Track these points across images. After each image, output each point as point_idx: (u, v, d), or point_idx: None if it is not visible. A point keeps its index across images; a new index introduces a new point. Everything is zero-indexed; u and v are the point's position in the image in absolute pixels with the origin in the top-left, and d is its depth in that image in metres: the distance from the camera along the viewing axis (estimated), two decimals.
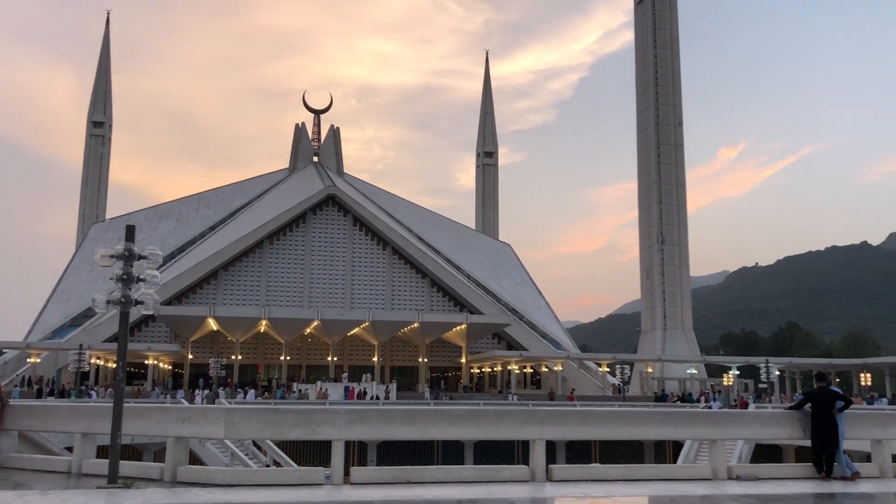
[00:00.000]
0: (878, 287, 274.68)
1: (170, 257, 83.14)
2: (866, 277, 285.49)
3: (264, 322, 70.06)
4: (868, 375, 74.25)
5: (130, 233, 13.47)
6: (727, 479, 12.98)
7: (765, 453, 35.71)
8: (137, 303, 13.20)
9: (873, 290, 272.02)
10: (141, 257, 13.24)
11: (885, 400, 57.62)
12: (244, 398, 48.17)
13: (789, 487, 12.05)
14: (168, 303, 71.60)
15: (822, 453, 13.12)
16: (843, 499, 11.21)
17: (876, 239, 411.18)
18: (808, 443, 13.50)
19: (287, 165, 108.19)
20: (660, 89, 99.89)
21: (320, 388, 58.08)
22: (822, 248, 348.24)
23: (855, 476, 13.11)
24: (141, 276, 13.27)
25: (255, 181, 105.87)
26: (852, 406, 13.76)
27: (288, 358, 75.40)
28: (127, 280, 13.03)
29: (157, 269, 13.75)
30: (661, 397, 64.05)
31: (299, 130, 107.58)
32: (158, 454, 30.91)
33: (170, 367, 77.26)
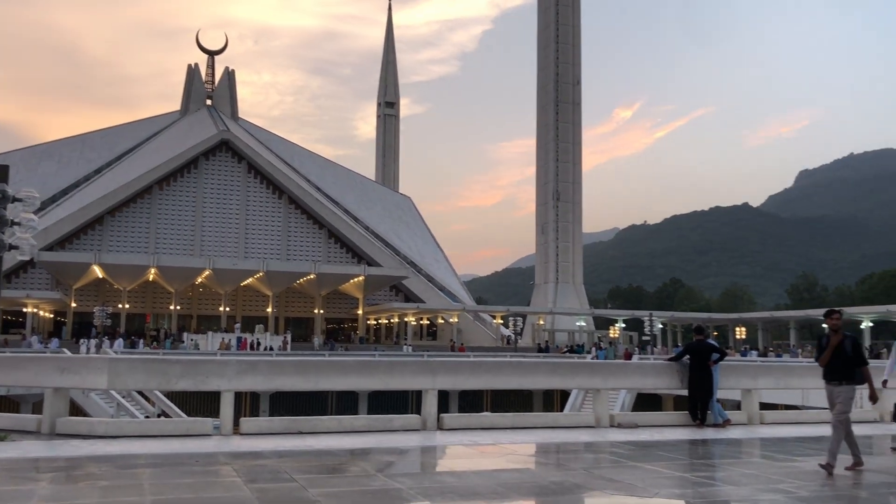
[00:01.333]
0: (755, 246, 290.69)
1: (51, 201, 78.74)
2: (745, 237, 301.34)
3: (153, 270, 67.78)
4: (743, 329, 78.94)
5: (3, 173, 12.63)
6: (609, 426, 13.57)
7: (647, 402, 37.55)
8: (12, 247, 12.46)
9: (751, 249, 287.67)
10: (16, 199, 12.46)
11: (755, 352, 61.48)
12: (110, 347, 46.35)
13: (666, 434, 12.71)
14: (49, 248, 68.11)
15: (698, 402, 13.88)
16: (714, 444, 11.92)
17: (756, 201, 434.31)
18: (685, 392, 14.26)
19: (178, 108, 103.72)
20: (560, 47, 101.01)
21: (224, 340, 56.95)
22: (707, 209, 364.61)
23: (726, 423, 13.98)
24: (16, 220, 12.51)
25: (144, 123, 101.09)
26: (726, 358, 14.58)
27: (178, 308, 73.39)
28: (0, 223, 12.26)
29: (35, 212, 13.00)
30: (543, 349, 65.92)
31: (192, 72, 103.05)
32: (37, 406, 29.68)
33: (51, 316, 73.81)
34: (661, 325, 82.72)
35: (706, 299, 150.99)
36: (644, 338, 77.85)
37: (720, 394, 14.23)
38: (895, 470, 9.71)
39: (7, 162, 19.29)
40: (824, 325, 9.83)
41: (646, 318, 71.28)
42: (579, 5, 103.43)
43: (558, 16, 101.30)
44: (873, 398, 9.84)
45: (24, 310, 64.93)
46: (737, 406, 15.84)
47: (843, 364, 9.28)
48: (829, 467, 8.77)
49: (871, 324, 71.40)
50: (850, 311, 73.13)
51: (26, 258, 12.95)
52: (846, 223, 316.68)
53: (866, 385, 9.68)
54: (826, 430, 13.52)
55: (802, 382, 17.81)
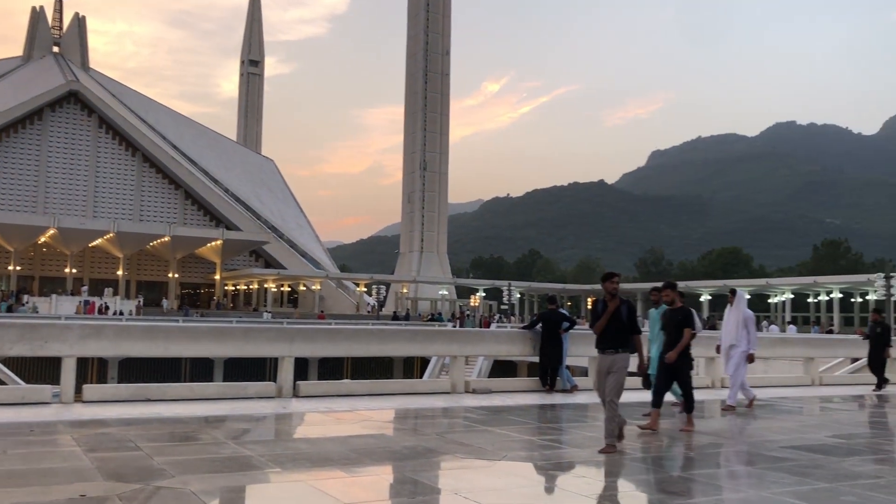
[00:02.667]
0: (609, 222, 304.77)
1: None
2: (600, 212, 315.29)
3: None
4: (594, 300, 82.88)
5: None
6: (464, 392, 13.91)
7: (504, 369, 38.73)
8: None
9: (605, 225, 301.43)
10: None
11: None
12: None
13: (517, 399, 13.18)
14: None
15: (548, 369, 14.46)
16: (562, 409, 12.48)
17: (612, 178, 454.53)
18: (537, 359, 14.81)
19: (21, 53, 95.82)
20: (430, 16, 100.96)
21: (80, 304, 53.77)
22: (566, 184, 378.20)
23: (573, 389, 14.65)
24: None
25: None
26: (576, 327, 15.25)
27: (18, 268, 68.50)
28: None
29: None
30: (402, 317, 66.41)
31: (36, 15, 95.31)
32: None
33: None
34: (519, 295, 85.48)
35: (562, 271, 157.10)
36: (503, 307, 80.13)
37: (569, 361, 14.88)
38: (722, 432, 10.52)
39: None
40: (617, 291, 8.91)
41: (505, 288, 73.33)
42: None
43: None
44: (642, 368, 9.97)
45: None
46: (584, 373, 16.64)
47: (619, 331, 8.51)
48: (610, 449, 8.09)
49: (709, 297, 76.77)
50: (691, 284, 78.25)
51: None
52: (692, 202, 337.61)
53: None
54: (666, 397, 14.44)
55: (645, 350, 18.90)
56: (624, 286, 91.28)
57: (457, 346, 14.37)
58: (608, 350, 8.49)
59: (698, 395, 15.24)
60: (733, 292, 13.28)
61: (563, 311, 15.46)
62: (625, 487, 6.89)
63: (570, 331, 14.69)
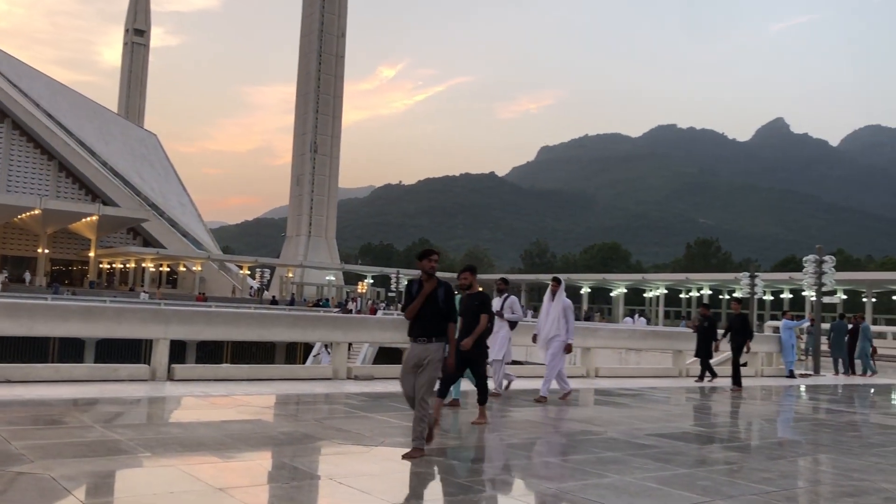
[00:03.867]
0: (498, 213, 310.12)
1: None
2: (490, 203, 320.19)
3: None
4: (481, 289, 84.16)
5: None
6: (346, 378, 13.87)
7: (388, 356, 38.81)
8: None
9: (494, 216, 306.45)
10: None
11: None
12: None
13: (398, 386, 13.23)
14: None
15: None
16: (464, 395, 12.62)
17: (502, 171, 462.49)
18: None
19: None
20: None
21: None
22: (458, 174, 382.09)
23: None
24: None
25: None
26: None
27: None
28: None
29: None
30: (277, 302, 65.30)
31: None
32: None
33: None
34: (407, 283, 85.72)
35: (451, 260, 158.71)
36: (391, 294, 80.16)
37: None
38: (594, 419, 10.94)
39: None
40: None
41: (393, 276, 73.37)
42: None
43: None
44: (451, 361, 7.57)
45: None
46: None
47: (435, 317, 7.34)
48: (417, 452, 7.11)
49: (589, 289, 79.44)
50: (573, 277, 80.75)
51: None
52: (576, 198, 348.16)
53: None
54: (538, 384, 14.93)
55: (525, 340, 19.42)
56: (510, 277, 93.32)
57: (341, 333, 14.31)
58: (420, 338, 7.32)
59: (574, 384, 15.80)
60: (558, 281, 12.99)
61: None
62: (493, 472, 7.07)
63: None
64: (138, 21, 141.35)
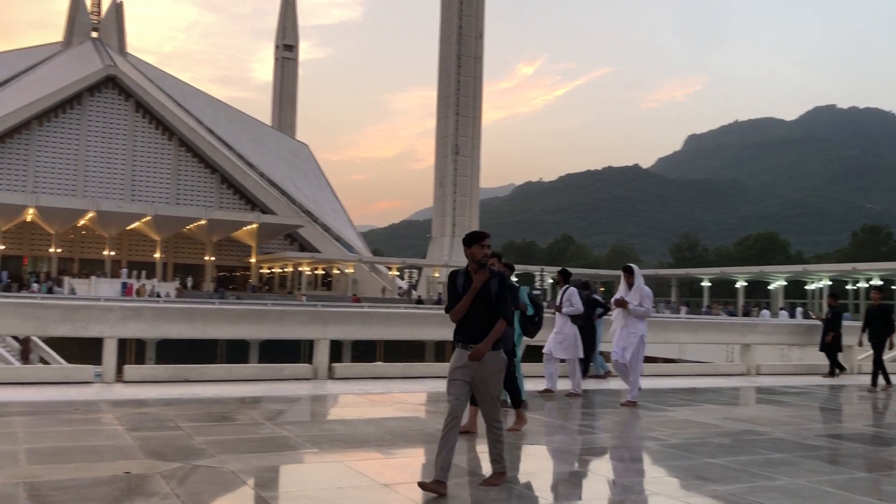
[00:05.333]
0: (643, 206, 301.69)
1: None
2: (634, 197, 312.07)
3: (31, 210, 64.14)
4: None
5: None
6: None
7: (531, 353, 38.70)
8: None
9: (638, 209, 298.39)
10: None
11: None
12: None
13: (545, 384, 13.16)
14: None
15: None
16: (595, 395, 12.46)
17: (646, 162, 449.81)
18: None
19: (61, 39, 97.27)
20: None
21: (143, 286, 55.50)
22: (600, 168, 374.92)
23: (606, 375, 14.64)
24: None
25: (22, 54, 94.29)
26: (609, 313, 15.19)
27: (59, 250, 69.91)
28: None
29: None
30: (423, 302, 66.17)
31: (76, 1, 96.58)
32: None
33: None
34: (551, 280, 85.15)
35: (595, 256, 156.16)
36: (535, 292, 79.72)
37: (602, 346, 14.84)
38: (755, 419, 10.44)
39: None
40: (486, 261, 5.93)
41: (537, 273, 73.15)
42: None
43: None
44: (477, 353, 5.79)
45: None
46: None
47: (488, 316, 5.79)
48: (498, 479, 5.88)
49: (745, 283, 75.78)
50: (727, 270, 77.33)
51: None
52: (727, 187, 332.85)
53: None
54: (698, 382, 14.38)
55: (679, 337, 18.84)
56: (658, 272, 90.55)
57: None
58: (471, 345, 5.80)
59: (733, 382, 15.13)
60: (631, 270, 11.53)
61: (597, 297, 15.41)
62: (656, 473, 6.89)
63: (604, 317, 14.65)
64: (287, 37, 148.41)
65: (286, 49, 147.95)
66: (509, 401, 8.67)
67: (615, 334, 11.45)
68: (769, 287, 76.75)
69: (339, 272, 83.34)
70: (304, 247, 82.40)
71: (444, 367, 15.36)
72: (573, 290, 12.16)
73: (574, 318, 12.06)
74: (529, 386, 12.54)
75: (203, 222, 69.73)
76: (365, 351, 43.38)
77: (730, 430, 9.14)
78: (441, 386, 12.48)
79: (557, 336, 11.98)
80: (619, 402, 11.05)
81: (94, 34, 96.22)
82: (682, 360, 25.23)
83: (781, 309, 61.35)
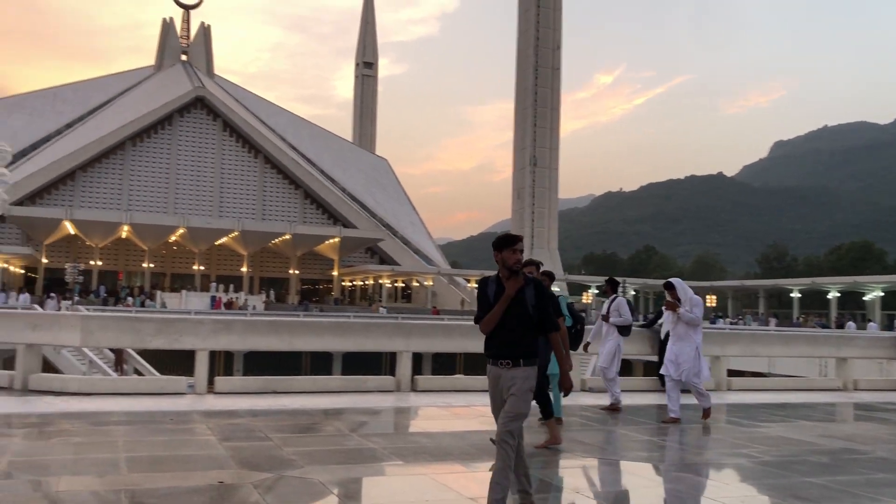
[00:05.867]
0: (728, 215, 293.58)
1: (21, 154, 77.20)
2: (719, 206, 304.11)
3: (126, 227, 67.03)
4: (714, 297, 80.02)
5: None
6: (581, 390, 13.77)
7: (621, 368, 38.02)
8: None
9: (724, 218, 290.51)
10: None
11: (722, 320, 62.52)
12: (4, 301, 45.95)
13: (637, 399, 12.94)
14: (19, 203, 67.02)
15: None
16: (682, 409, 12.13)
17: (731, 170, 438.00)
18: (655, 358, 14.48)
19: (152, 63, 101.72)
20: (541, 10, 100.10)
21: (235, 298, 57.73)
22: (682, 177, 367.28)
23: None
24: None
25: (116, 78, 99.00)
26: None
27: (151, 265, 72.79)
28: None
29: (6, 166, 12.77)
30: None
31: (167, 26, 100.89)
32: (8, 361, 29.43)
33: (22, 272, 72.84)
34: (633, 292, 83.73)
35: (679, 267, 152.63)
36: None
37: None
38: (854, 436, 9.99)
39: None
40: (517, 266, 5.35)
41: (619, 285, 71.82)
42: None
43: None
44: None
45: None
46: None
47: (522, 330, 5.24)
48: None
49: (838, 294, 72.69)
50: (818, 281, 74.41)
51: None
52: (817, 194, 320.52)
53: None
54: (790, 397, 13.87)
55: (769, 350, 18.20)
56: (745, 283, 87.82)
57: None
58: (502, 361, 5.26)
59: (827, 397, 14.53)
60: (672, 286, 11.05)
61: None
62: (748, 492, 6.66)
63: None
64: (367, 54, 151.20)
65: (366, 66, 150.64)
66: (541, 413, 8.36)
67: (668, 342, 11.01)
68: (864, 298, 73.43)
69: (418, 284, 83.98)
70: (384, 259, 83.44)
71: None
72: (622, 300, 11.79)
73: (622, 330, 11.63)
74: (595, 400, 12.31)
75: (287, 237, 71.49)
76: (444, 363, 43.50)
77: (827, 448, 8.77)
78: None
79: (603, 345, 11.63)
80: (661, 420, 10.50)
81: (184, 57, 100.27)
82: (771, 375, 24.35)
83: (870, 321, 58.73)
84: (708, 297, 79.11)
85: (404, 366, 12.55)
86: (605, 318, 11.60)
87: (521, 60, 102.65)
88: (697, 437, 9.50)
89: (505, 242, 5.29)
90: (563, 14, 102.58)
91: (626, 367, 40.04)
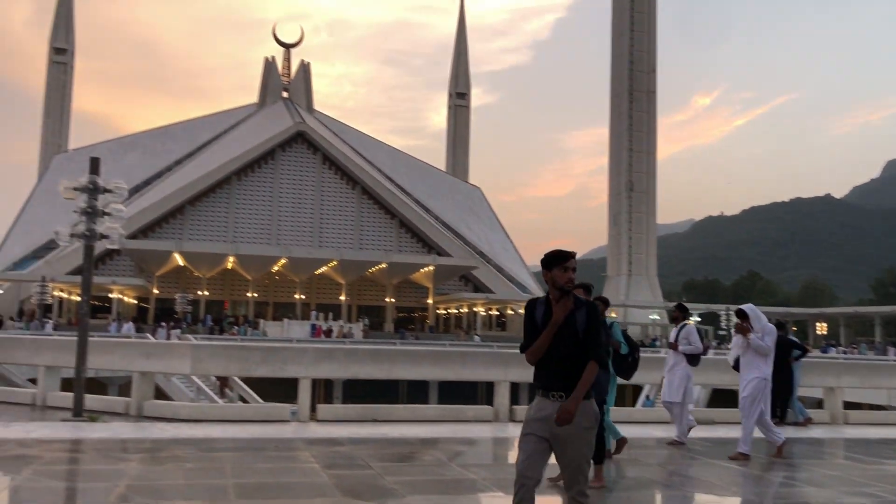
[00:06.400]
0: (837, 239, 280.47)
1: (135, 190, 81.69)
2: (827, 229, 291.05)
3: (231, 258, 69.64)
4: (824, 325, 76.29)
5: (95, 165, 13.18)
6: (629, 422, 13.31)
7: (721, 398, 36.67)
8: (102, 237, 12.99)
9: (833, 242, 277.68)
10: (106, 190, 12.97)
11: (834, 349, 59.30)
12: (118, 330, 47.75)
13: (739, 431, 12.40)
14: (133, 236, 70.67)
15: (777, 399, 13.49)
16: (795, 443, 11.58)
17: (840, 192, 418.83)
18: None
19: (256, 100, 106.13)
20: (635, 35, 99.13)
21: (340, 326, 59.45)
22: (787, 200, 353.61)
23: (807, 421, 13.57)
24: (106, 210, 13.02)
25: (222, 115, 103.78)
26: (807, 355, 14.15)
27: (255, 295, 75.22)
28: (91, 213, 12.80)
29: (122, 202, 13.52)
30: None
31: (269, 65, 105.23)
32: (123, 388, 30.92)
33: (135, 302, 76.69)
34: (698, 318, 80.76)
35: (785, 293, 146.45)
36: (720, 332, 76.03)
37: (800, 391, 13.83)
38: None
39: (95, 153, 20.12)
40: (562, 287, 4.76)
41: (722, 312, 69.62)
42: None
43: (633, 4, 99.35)
44: (566, 414, 4.55)
45: (110, 295, 67.60)
46: (818, 405, 15.37)
47: (576, 356, 4.65)
48: None
49: None
50: None
51: (115, 247, 13.50)
52: None
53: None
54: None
55: (890, 382, 17.16)
56: (859, 310, 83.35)
57: (659, 374, 13.84)
58: (554, 393, 4.66)
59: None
60: (745, 314, 10.30)
61: (793, 338, 14.43)
62: None
63: (801, 359, 13.68)
64: (460, 85, 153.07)
65: (459, 97, 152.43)
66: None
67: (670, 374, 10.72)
68: None
69: (512, 312, 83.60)
70: (479, 287, 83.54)
71: (627, 412, 14.95)
72: (691, 328, 11.04)
73: (691, 359, 10.89)
74: (657, 432, 11.84)
75: (384, 265, 72.65)
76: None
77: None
78: (626, 431, 12.14)
79: (668, 376, 10.93)
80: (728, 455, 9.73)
81: (285, 94, 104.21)
82: (893, 408, 22.94)
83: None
84: (818, 324, 75.49)
85: (502, 395, 12.48)
86: (674, 346, 10.83)
87: (615, 85, 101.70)
88: (815, 475, 9.02)
89: (555, 259, 4.76)
90: (658, 37, 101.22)
91: (734, 397, 38.49)
